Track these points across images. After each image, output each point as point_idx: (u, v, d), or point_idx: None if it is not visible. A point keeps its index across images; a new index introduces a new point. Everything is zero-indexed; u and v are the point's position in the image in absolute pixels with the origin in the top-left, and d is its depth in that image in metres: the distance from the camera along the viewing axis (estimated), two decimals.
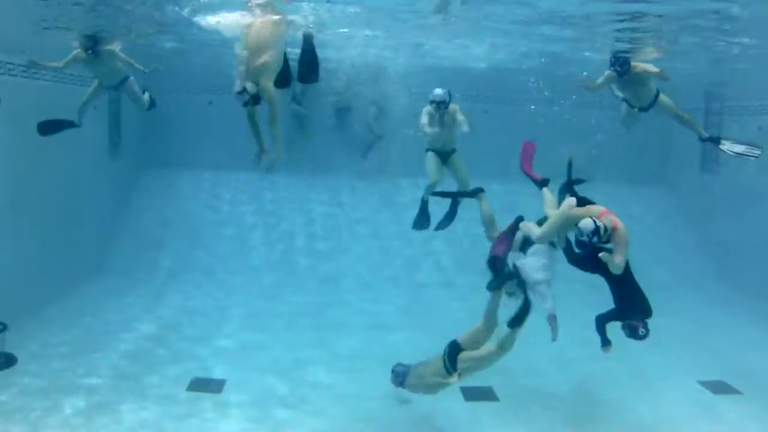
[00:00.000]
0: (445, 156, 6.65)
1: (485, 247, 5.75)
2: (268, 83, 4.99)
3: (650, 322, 4.98)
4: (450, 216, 6.95)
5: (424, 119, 6.32)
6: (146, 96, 7.04)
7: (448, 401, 5.62)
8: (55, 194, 8.30)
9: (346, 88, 10.99)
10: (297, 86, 11.11)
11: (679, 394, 6.24)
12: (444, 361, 5.25)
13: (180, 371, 6.44)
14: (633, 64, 6.19)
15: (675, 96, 6.47)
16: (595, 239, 4.69)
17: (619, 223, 4.79)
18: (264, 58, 4.97)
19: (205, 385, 6.18)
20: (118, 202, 10.71)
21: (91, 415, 5.41)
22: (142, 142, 11.44)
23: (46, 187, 8.05)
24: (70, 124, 6.89)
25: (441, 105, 6.31)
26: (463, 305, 8.47)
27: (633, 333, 4.95)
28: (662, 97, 6.31)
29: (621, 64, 6.12)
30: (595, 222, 4.71)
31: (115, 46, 6.52)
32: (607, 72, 6.21)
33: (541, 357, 6.86)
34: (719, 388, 6.42)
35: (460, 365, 5.18)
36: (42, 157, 7.78)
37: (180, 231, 10.69)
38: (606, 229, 4.71)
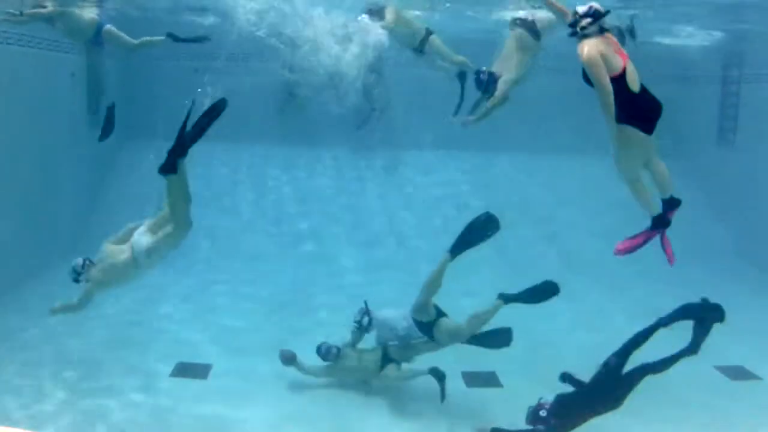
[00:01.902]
0: (421, 45, 7.01)
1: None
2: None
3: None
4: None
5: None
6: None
7: (449, 387, 5.41)
8: (27, 167, 7.85)
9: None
10: (287, 54, 10.56)
11: (693, 379, 5.92)
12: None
13: (163, 356, 6.24)
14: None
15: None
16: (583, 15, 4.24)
17: (588, 49, 4.13)
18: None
19: (190, 370, 6.01)
20: (97, 175, 10.19)
21: (66, 403, 5.19)
22: (124, 111, 10.83)
23: (18, 159, 7.58)
24: (111, 111, 7.25)
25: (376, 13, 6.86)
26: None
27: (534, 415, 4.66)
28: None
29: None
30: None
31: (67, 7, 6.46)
32: None
33: (545, 342, 6.75)
34: (737, 373, 6.22)
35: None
36: (13, 127, 7.34)
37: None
38: (593, 15, 4.17)
